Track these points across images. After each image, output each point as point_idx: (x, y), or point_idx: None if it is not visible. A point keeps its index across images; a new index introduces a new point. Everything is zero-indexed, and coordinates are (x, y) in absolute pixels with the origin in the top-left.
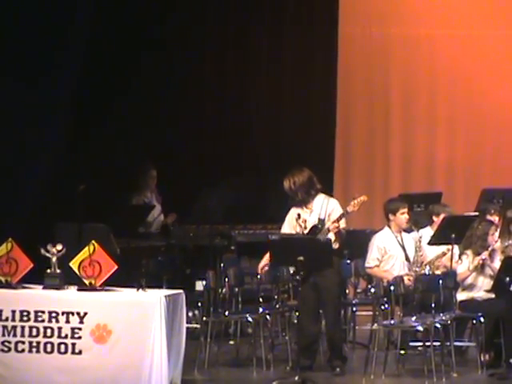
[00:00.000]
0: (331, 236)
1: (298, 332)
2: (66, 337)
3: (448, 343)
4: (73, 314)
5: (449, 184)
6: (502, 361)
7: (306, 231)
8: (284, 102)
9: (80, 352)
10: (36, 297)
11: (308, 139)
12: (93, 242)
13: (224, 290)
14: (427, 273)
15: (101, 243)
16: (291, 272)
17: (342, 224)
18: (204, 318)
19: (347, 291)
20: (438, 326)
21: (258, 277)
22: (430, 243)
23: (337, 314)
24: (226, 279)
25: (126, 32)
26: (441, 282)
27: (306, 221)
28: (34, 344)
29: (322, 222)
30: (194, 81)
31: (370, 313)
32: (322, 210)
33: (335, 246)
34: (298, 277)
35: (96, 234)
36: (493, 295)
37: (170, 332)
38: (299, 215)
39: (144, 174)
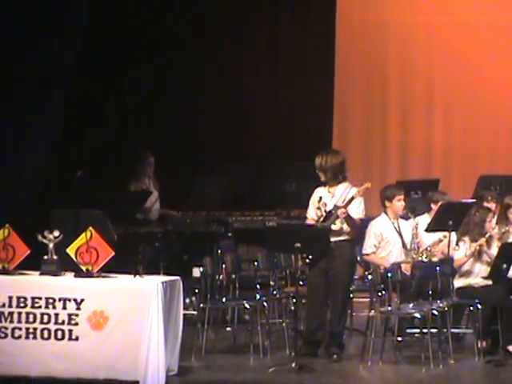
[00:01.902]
0: (340, 222)
1: (297, 318)
2: (62, 323)
3: (445, 330)
4: (70, 300)
5: (446, 171)
6: (499, 347)
7: (322, 218)
8: (281, 89)
9: (77, 338)
10: (33, 283)
11: (305, 126)
12: (90, 228)
13: (221, 277)
14: (424, 260)
15: (98, 229)
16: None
17: (360, 214)
18: (201, 305)
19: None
20: (435, 312)
21: (255, 263)
22: (427, 230)
23: (344, 303)
24: (223, 266)
25: (124, 22)
26: (438, 268)
27: (326, 204)
28: (31, 330)
29: (336, 208)
30: (191, 68)
31: (367, 299)
32: (342, 197)
33: (351, 234)
34: (306, 261)
35: (93, 220)
36: (490, 282)
37: (167, 318)
38: (321, 198)
39: (142, 160)
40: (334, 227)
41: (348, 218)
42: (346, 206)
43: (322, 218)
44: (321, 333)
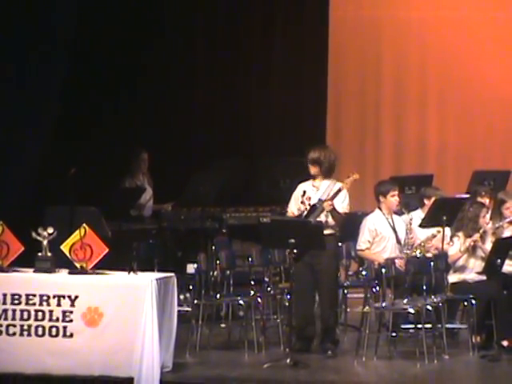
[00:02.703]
0: (325, 215)
1: (292, 314)
2: (57, 320)
3: (439, 325)
4: (64, 297)
5: (440, 166)
6: (493, 342)
7: (305, 212)
8: (275, 86)
9: (71, 335)
10: (27, 280)
11: (299, 123)
12: (84, 225)
13: (215, 273)
14: (418, 255)
15: (92, 226)
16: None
17: (345, 208)
18: (195, 301)
19: (338, 274)
20: (429, 308)
21: (250, 259)
22: (421, 225)
23: (333, 297)
24: (218, 262)
25: (122, 18)
26: (432, 264)
27: (310, 198)
28: (25, 327)
29: (320, 202)
30: (186, 66)
31: (362, 295)
32: (327, 191)
33: (331, 225)
34: (292, 255)
35: (87, 217)
36: (484, 277)
37: (162, 315)
38: (305, 192)
39: (136, 157)
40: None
41: (333, 211)
42: (332, 199)
43: (305, 212)
44: (311, 328)
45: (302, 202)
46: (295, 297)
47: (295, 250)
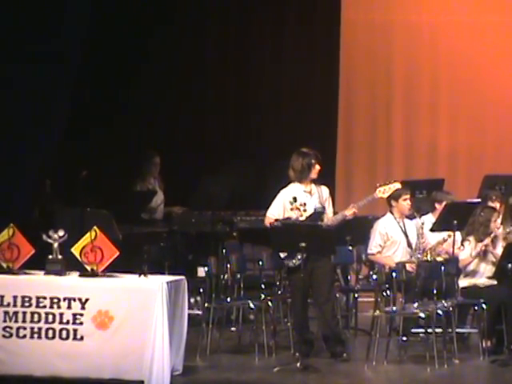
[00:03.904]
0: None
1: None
2: (67, 323)
3: (450, 330)
4: (74, 299)
5: (451, 171)
6: (503, 347)
7: (306, 214)
8: (286, 90)
9: (81, 338)
10: (37, 283)
11: (310, 127)
12: (95, 227)
13: (226, 277)
14: (429, 259)
15: (103, 229)
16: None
17: (332, 212)
18: (206, 305)
19: (349, 277)
20: (439, 312)
21: (260, 263)
22: (432, 230)
23: (330, 300)
24: (228, 265)
25: (129, 22)
26: (443, 268)
27: (305, 204)
28: (36, 330)
29: (323, 208)
30: (197, 68)
31: (372, 299)
32: (320, 196)
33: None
34: (293, 261)
35: (98, 219)
36: (495, 282)
37: (172, 318)
38: (295, 198)
39: (147, 160)
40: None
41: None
42: (359, 207)
43: (302, 218)
44: (310, 332)
45: (296, 209)
46: (293, 305)
47: (299, 256)
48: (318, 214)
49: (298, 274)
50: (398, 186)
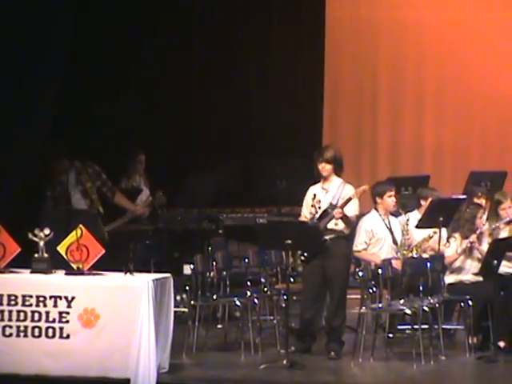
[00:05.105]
0: (338, 222)
1: (288, 315)
2: (53, 321)
3: (436, 326)
4: (60, 298)
5: (437, 167)
6: (490, 344)
7: (320, 211)
8: (271, 88)
9: (68, 336)
10: (23, 281)
11: (296, 123)
12: (80, 226)
13: (212, 274)
14: (415, 256)
15: (88, 227)
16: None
17: (355, 211)
18: (192, 302)
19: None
20: (425, 309)
21: (246, 260)
22: (417, 226)
23: (340, 300)
24: (214, 263)
25: (120, 21)
26: (429, 265)
27: (320, 201)
28: (22, 328)
29: (332, 207)
30: (182, 66)
31: (358, 296)
32: (337, 194)
33: (346, 231)
34: (302, 258)
35: (84, 218)
36: (481, 278)
37: (158, 316)
38: (315, 195)
39: (133, 158)
40: (328, 225)
41: (344, 218)
42: (342, 207)
43: (317, 215)
44: (315, 326)
45: (312, 206)
46: (303, 296)
47: (305, 254)
48: (326, 214)
49: (309, 266)
50: (365, 188)
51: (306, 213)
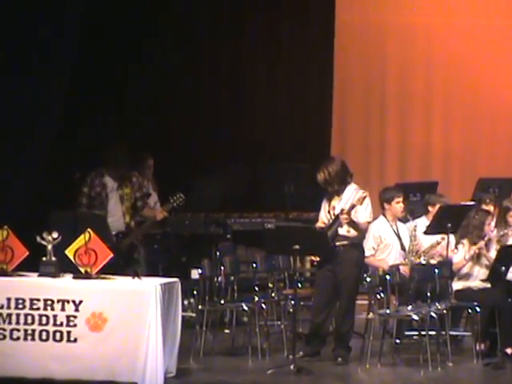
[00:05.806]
0: (347, 226)
1: (295, 320)
2: (61, 325)
3: (443, 332)
4: (68, 301)
5: (445, 173)
6: (497, 350)
7: (331, 221)
8: (280, 91)
9: (75, 340)
10: (31, 284)
11: (304, 128)
12: (88, 230)
13: (219, 279)
14: (423, 262)
15: (96, 231)
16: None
17: (367, 218)
18: (199, 307)
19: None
20: (433, 315)
21: (254, 265)
22: (426, 232)
23: (349, 306)
24: (222, 267)
25: (124, 21)
26: (436, 271)
27: (334, 208)
28: (29, 332)
29: (342, 212)
30: (190, 69)
31: (366, 302)
32: (350, 200)
33: (354, 235)
34: (314, 264)
35: (92, 222)
36: (488, 285)
37: (166, 320)
38: (330, 201)
39: (141, 162)
40: (341, 231)
41: (352, 223)
42: (347, 213)
43: (330, 222)
44: (325, 330)
45: (328, 212)
46: (314, 300)
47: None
48: (336, 220)
49: (320, 271)
50: (364, 194)
51: (325, 219)
